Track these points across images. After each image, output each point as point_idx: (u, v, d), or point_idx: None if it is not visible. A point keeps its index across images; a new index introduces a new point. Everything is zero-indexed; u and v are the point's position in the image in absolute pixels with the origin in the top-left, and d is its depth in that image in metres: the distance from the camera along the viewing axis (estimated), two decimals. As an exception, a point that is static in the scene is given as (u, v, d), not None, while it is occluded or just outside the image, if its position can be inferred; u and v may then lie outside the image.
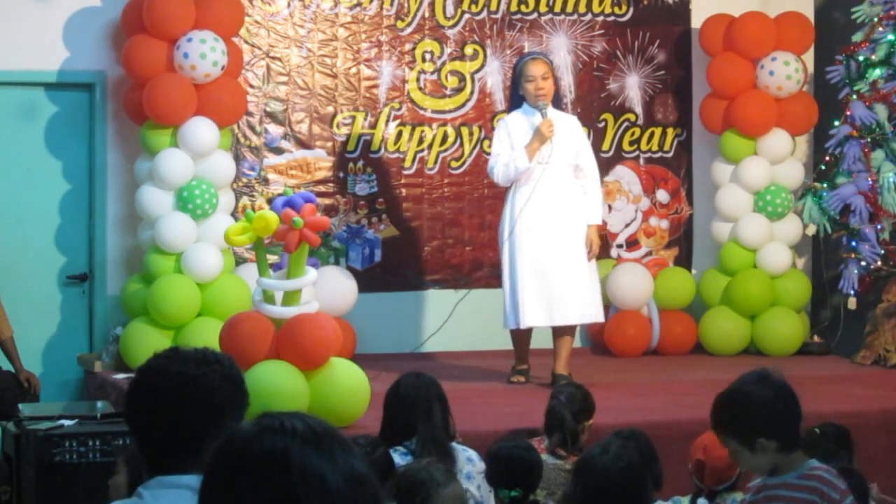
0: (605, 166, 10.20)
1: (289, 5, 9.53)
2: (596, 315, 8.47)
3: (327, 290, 8.52)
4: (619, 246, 10.32)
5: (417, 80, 9.83)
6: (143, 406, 2.91)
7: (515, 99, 8.51)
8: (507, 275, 8.38)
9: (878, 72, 9.48)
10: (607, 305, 9.80)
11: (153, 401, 2.88)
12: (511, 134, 8.36)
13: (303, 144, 9.60)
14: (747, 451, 4.06)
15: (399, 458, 5.37)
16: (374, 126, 9.72)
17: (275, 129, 9.53)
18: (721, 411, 4.18)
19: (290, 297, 6.90)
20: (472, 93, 9.95)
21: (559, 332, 8.45)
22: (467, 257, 9.96)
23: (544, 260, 8.29)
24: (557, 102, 8.62)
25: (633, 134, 10.32)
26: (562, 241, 8.31)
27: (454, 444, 5.60)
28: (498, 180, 8.36)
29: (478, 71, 9.96)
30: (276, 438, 1.94)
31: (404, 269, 9.82)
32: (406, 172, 9.82)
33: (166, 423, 2.84)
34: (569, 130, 8.42)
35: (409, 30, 9.82)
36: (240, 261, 9.11)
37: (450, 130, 9.90)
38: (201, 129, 8.58)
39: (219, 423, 2.78)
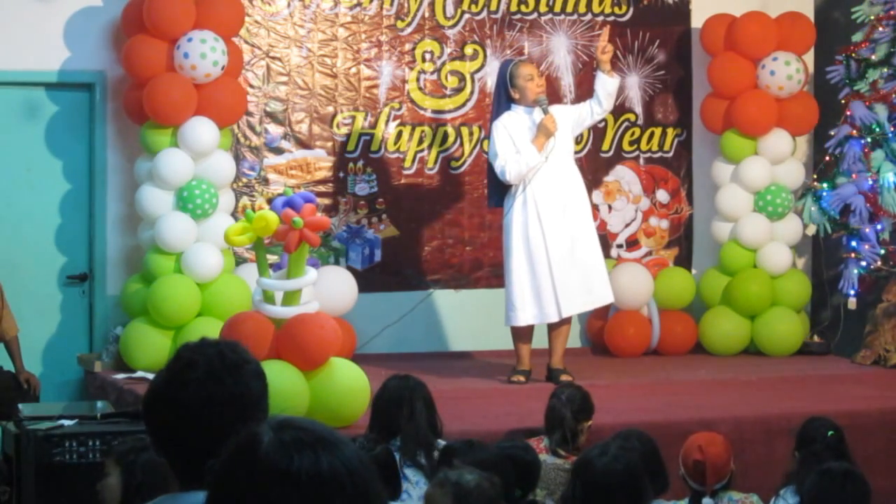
0: (605, 166, 10.22)
1: (289, 5, 9.52)
2: (606, 296, 8.56)
3: (327, 290, 8.52)
4: (619, 246, 10.32)
5: (417, 80, 9.82)
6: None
7: (503, 103, 8.52)
8: (512, 271, 8.39)
9: (878, 72, 9.48)
10: (607, 306, 9.81)
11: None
12: (512, 134, 8.38)
13: (303, 144, 9.59)
14: None
15: None
16: (374, 126, 9.72)
17: (275, 129, 9.52)
18: None
19: (290, 297, 6.90)
20: (472, 93, 9.94)
21: (555, 325, 8.47)
22: (467, 257, 9.95)
23: (545, 253, 8.32)
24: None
25: (633, 134, 10.31)
26: (565, 230, 8.36)
27: (440, 441, 5.76)
28: (510, 179, 8.36)
29: (478, 71, 9.96)
30: (299, 454, 1.92)
31: (404, 269, 9.81)
32: (406, 172, 9.82)
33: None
34: (563, 119, 8.46)
35: (409, 30, 9.82)
36: (240, 261, 9.11)
37: (450, 130, 9.90)
38: (201, 129, 8.58)
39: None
